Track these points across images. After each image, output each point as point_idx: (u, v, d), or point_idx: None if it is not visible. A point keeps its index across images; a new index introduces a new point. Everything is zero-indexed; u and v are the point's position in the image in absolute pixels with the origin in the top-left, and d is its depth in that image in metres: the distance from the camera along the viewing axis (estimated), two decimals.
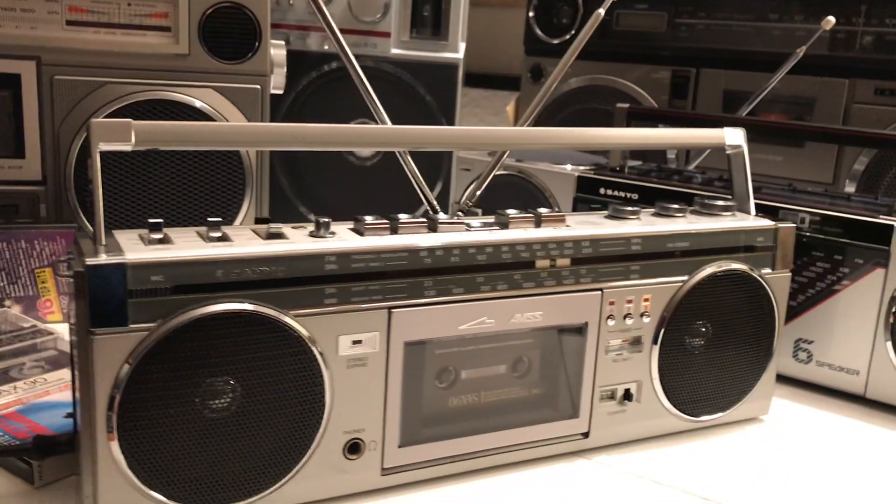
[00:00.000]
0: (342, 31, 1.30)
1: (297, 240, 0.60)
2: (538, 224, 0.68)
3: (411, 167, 0.72)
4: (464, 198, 0.77)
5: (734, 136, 0.80)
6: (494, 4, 1.71)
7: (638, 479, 0.69)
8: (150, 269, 0.54)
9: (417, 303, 0.63)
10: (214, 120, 1.02)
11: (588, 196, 1.00)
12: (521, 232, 0.67)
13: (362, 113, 1.37)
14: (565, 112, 1.29)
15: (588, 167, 1.05)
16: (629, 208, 0.74)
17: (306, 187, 1.36)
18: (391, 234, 0.63)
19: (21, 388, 0.74)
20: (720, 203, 0.78)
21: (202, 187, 1.03)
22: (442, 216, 0.66)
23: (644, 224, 0.72)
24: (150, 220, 0.57)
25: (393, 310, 0.62)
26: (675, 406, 0.75)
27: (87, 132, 0.56)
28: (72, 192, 0.99)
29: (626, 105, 1.04)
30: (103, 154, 0.55)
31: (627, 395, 0.73)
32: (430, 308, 0.63)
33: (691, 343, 0.75)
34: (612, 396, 0.73)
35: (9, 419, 0.69)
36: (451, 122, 1.33)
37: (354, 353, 0.61)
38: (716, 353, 0.76)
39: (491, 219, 0.69)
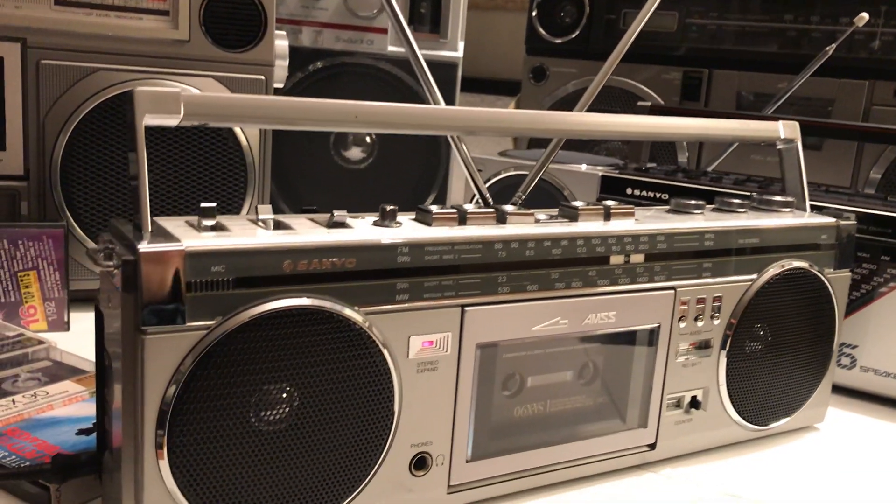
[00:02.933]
0: (337, 26, 1.24)
1: (364, 229, 0.53)
2: (607, 217, 0.63)
3: (465, 154, 0.66)
4: (518, 191, 0.71)
5: (789, 130, 0.76)
6: (484, 7, 1.66)
7: (714, 492, 0.64)
8: (210, 257, 0.47)
9: (491, 300, 0.57)
10: None
11: (612, 196, 0.95)
12: (595, 225, 0.61)
13: None
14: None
15: (608, 167, 1.00)
16: (693, 202, 0.69)
17: (292, 189, 1.29)
18: (459, 224, 0.57)
19: (21, 403, 0.65)
20: (779, 199, 0.74)
21: (200, 184, 0.95)
22: (508, 207, 0.60)
23: (710, 219, 0.68)
24: (203, 206, 0.50)
25: (466, 308, 0.56)
26: (739, 414, 0.70)
27: (130, 102, 0.48)
28: (57, 189, 0.90)
29: (649, 103, 1.00)
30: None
31: (694, 403, 0.68)
32: (504, 307, 0.57)
33: (756, 346, 0.70)
34: (678, 405, 0.67)
35: (11, 437, 0.60)
36: None
37: (425, 356, 0.55)
38: (778, 357, 0.71)
39: (554, 211, 0.64)
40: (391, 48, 1.24)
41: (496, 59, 1.49)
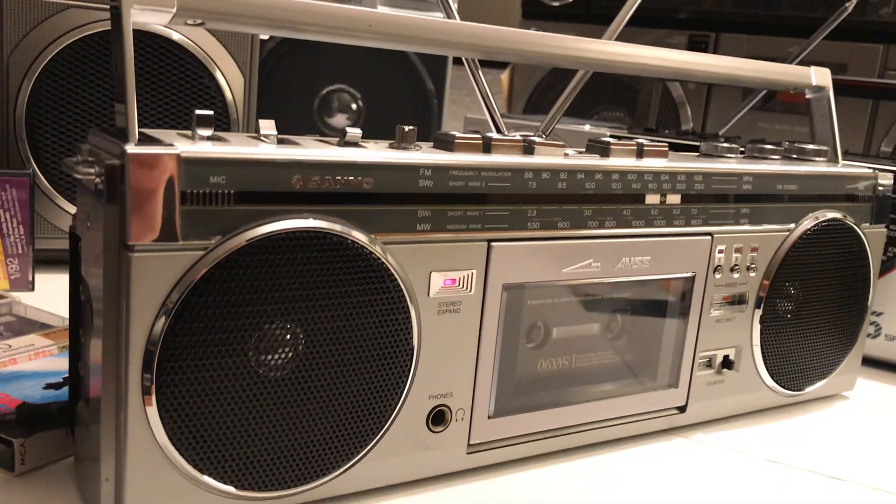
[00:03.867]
0: None
1: (380, 151, 0.47)
2: (640, 154, 0.57)
3: (481, 81, 0.60)
4: (541, 127, 0.65)
5: (821, 77, 0.71)
6: None
7: (749, 458, 0.59)
8: (209, 166, 0.40)
9: (519, 237, 0.51)
10: (197, 57, 0.88)
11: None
12: (629, 161, 0.55)
13: (336, 80, 1.24)
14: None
15: (614, 126, 0.95)
16: (725, 144, 0.64)
17: None
18: (484, 152, 0.50)
19: None
20: (812, 147, 0.69)
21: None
22: (536, 137, 0.54)
23: (745, 164, 0.62)
24: (198, 113, 0.43)
25: (493, 243, 0.49)
26: (772, 376, 0.65)
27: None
28: (22, 138, 0.82)
29: None
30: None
31: (727, 363, 0.62)
32: (533, 244, 0.51)
33: (790, 305, 0.65)
34: (709, 364, 0.62)
35: None
36: (440, 87, 1.22)
37: (447, 295, 0.48)
38: (812, 317, 0.66)
39: (582, 149, 0.58)
40: (381, 8, 1.18)
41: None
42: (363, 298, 0.45)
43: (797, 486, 0.55)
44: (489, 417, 0.52)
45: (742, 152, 0.67)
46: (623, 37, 1.15)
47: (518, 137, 0.52)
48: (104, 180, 0.39)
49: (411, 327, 0.47)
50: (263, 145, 0.44)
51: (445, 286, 0.48)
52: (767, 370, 0.64)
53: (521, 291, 0.52)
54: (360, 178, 0.44)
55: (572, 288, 0.55)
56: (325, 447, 0.45)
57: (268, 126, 0.46)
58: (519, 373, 0.53)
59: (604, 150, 0.56)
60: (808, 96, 0.72)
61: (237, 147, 0.42)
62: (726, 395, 0.63)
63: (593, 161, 0.53)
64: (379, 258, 0.45)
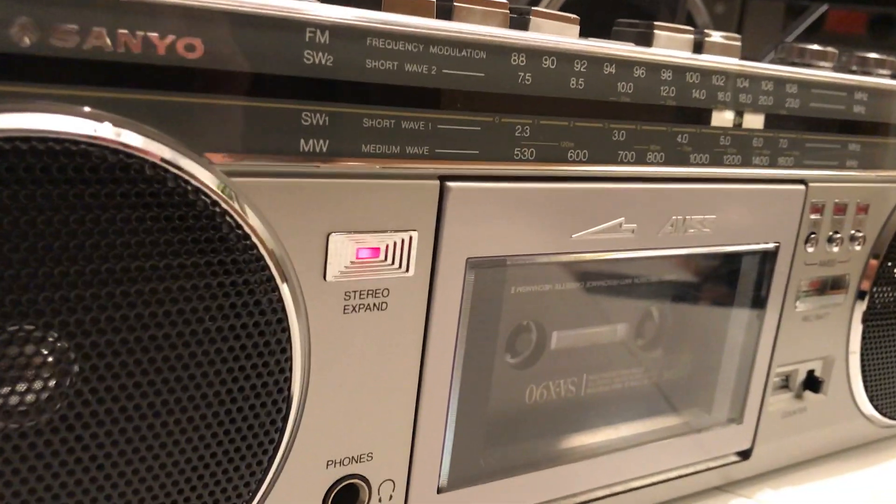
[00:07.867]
0: None
1: None
2: (699, 48, 0.35)
3: None
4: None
5: None
6: None
7: None
8: None
9: (499, 171, 0.28)
10: None
11: None
12: (689, 55, 0.33)
13: None
14: None
15: None
16: (814, 47, 0.41)
17: None
18: (439, 17, 0.28)
19: None
20: (874, 56, 0.46)
21: None
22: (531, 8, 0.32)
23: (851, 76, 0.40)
24: None
25: (449, 182, 0.27)
26: (870, 399, 0.43)
27: None
28: None
29: None
30: None
31: (810, 383, 0.41)
32: (524, 188, 0.29)
33: None
34: (785, 385, 0.40)
35: None
36: None
37: (362, 277, 0.26)
38: None
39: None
40: None
41: None
42: (189, 284, 0.22)
43: None
44: (440, 492, 0.30)
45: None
46: None
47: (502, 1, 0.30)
48: None
49: (287, 339, 0.24)
50: None
51: (359, 261, 0.26)
52: (866, 390, 0.43)
53: (502, 272, 0.29)
54: (174, 39, 0.21)
55: (586, 267, 0.32)
56: None
57: None
58: (494, 410, 0.31)
59: (643, 36, 0.33)
60: None
61: None
62: (806, 431, 0.42)
63: (629, 50, 0.31)
64: (220, 206, 0.22)
